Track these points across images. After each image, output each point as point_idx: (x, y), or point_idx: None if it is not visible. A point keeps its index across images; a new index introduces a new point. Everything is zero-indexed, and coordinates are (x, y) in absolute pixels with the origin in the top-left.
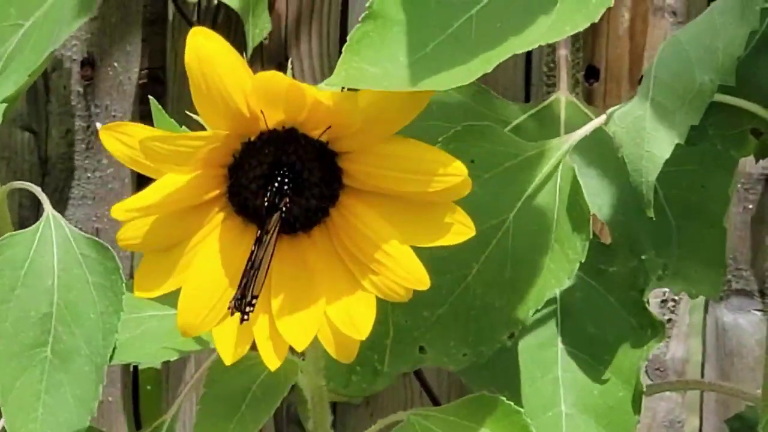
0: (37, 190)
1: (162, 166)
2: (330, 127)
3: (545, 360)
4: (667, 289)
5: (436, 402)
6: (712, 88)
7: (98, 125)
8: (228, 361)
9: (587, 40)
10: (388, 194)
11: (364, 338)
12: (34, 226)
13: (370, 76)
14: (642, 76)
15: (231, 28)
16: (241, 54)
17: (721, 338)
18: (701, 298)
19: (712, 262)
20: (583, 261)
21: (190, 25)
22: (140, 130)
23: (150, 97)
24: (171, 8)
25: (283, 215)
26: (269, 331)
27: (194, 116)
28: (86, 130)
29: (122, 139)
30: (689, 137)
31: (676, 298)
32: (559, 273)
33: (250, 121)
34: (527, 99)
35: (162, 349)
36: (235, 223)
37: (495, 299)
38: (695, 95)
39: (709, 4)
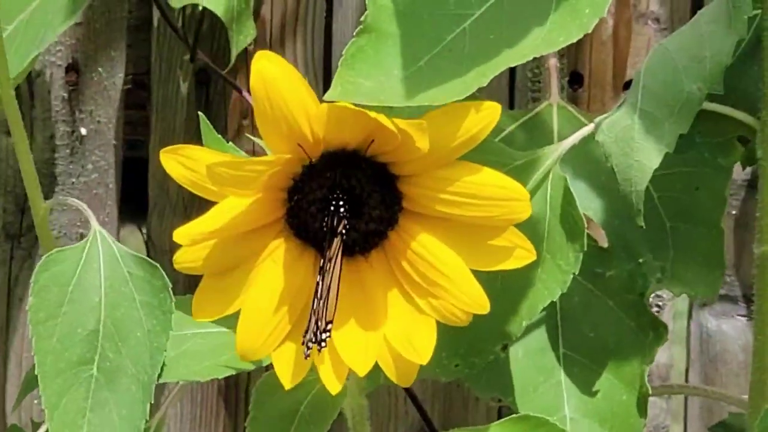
0: (83, 206)
1: (226, 190)
2: (394, 151)
3: (546, 365)
4: (652, 295)
5: (420, 408)
6: (701, 97)
7: (82, 131)
8: (287, 385)
9: (571, 47)
10: (448, 218)
11: (425, 362)
12: (81, 242)
13: (366, 90)
14: (626, 82)
15: (216, 33)
16: (226, 59)
17: (705, 344)
18: (685, 305)
19: (710, 264)
20: (576, 272)
21: (175, 30)
22: (203, 154)
23: (200, 113)
24: (156, 14)
25: (344, 239)
26: (330, 354)
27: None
28: (71, 135)
29: (184, 163)
30: (677, 145)
31: (660, 304)
32: (551, 284)
33: (312, 144)
34: (512, 105)
35: (208, 367)
36: (293, 245)
37: None
38: (683, 104)
39: (692, 11)
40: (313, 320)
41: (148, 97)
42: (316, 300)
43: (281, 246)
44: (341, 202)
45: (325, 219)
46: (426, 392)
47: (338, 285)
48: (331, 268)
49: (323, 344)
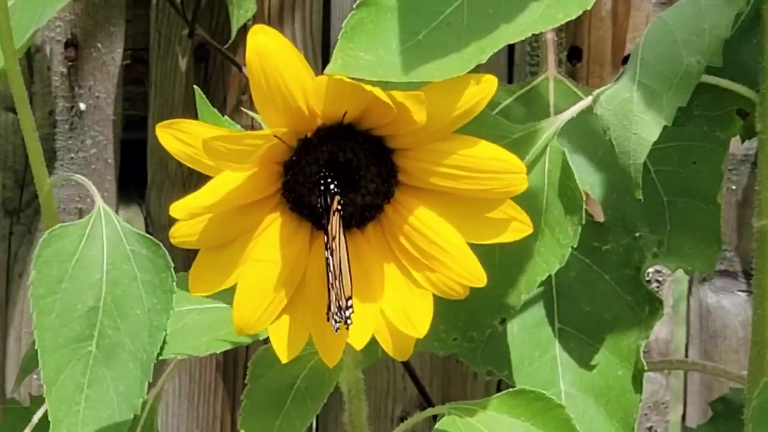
0: (88, 183)
1: (222, 165)
2: (390, 124)
3: (542, 339)
4: (651, 270)
5: (418, 384)
6: (699, 70)
7: (81, 106)
8: (284, 359)
9: (570, 22)
10: (444, 191)
11: (422, 336)
12: (84, 218)
13: (366, 64)
14: (625, 57)
15: (215, 9)
16: (225, 35)
17: (704, 319)
18: (685, 280)
19: (706, 239)
20: (575, 246)
21: (174, 6)
22: (200, 128)
23: (196, 87)
24: None
25: (341, 215)
26: (326, 328)
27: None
28: (70, 110)
29: (181, 137)
30: (675, 118)
31: (660, 279)
32: (550, 258)
33: (308, 118)
34: (510, 79)
35: (206, 342)
36: (290, 219)
37: None
38: (682, 77)
39: None
40: (333, 296)
41: (147, 73)
42: (331, 276)
43: (277, 220)
44: (330, 180)
45: (319, 198)
46: (424, 368)
47: (348, 260)
48: (338, 245)
49: (349, 321)
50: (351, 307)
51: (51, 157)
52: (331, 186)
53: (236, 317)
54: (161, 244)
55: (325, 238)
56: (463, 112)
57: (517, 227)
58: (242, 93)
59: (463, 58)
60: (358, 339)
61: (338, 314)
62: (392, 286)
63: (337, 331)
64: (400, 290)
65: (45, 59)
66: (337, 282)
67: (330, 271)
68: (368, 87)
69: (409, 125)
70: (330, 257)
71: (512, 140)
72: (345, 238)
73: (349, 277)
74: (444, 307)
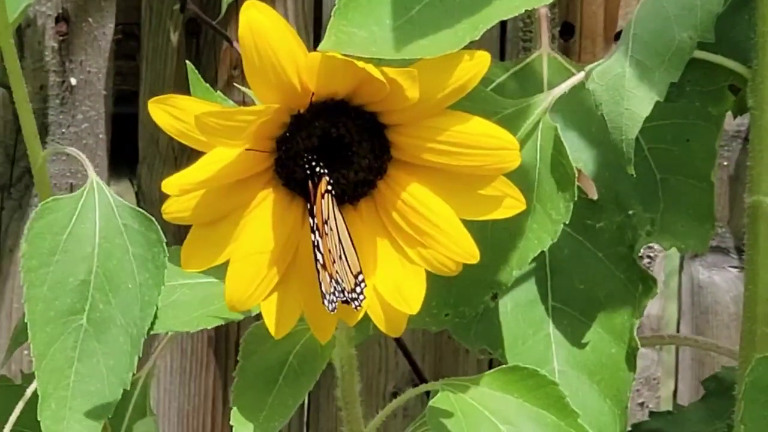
0: (81, 156)
1: (215, 141)
2: (383, 100)
3: (536, 317)
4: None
5: (410, 360)
6: (692, 45)
7: (72, 81)
8: (276, 335)
9: None
10: (437, 167)
11: (415, 312)
12: (78, 192)
13: (359, 41)
14: (617, 33)
15: None
16: (216, 10)
17: (696, 295)
18: (677, 256)
19: (700, 217)
20: (567, 222)
21: None
22: (192, 104)
23: (188, 62)
24: None
25: (332, 192)
26: (318, 304)
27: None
28: (61, 85)
29: (173, 113)
30: (667, 94)
31: (652, 255)
32: (542, 234)
33: (301, 94)
34: (502, 56)
35: (197, 317)
36: (282, 196)
37: None
38: (674, 52)
39: None
40: (326, 277)
41: (138, 48)
42: (321, 258)
43: (270, 196)
44: (316, 162)
45: (307, 168)
46: (416, 344)
47: (349, 235)
48: (336, 226)
49: (362, 296)
50: (363, 281)
51: (42, 132)
52: (317, 168)
53: (228, 293)
54: (153, 219)
55: (311, 221)
56: (456, 88)
57: (510, 204)
58: (234, 68)
59: (456, 34)
60: (350, 315)
61: (335, 295)
62: (385, 263)
63: (332, 312)
64: (392, 266)
65: (36, 34)
66: (341, 262)
67: (320, 253)
68: (361, 63)
69: (402, 101)
70: (319, 240)
71: (504, 115)
72: (341, 213)
73: (354, 252)
74: (436, 283)
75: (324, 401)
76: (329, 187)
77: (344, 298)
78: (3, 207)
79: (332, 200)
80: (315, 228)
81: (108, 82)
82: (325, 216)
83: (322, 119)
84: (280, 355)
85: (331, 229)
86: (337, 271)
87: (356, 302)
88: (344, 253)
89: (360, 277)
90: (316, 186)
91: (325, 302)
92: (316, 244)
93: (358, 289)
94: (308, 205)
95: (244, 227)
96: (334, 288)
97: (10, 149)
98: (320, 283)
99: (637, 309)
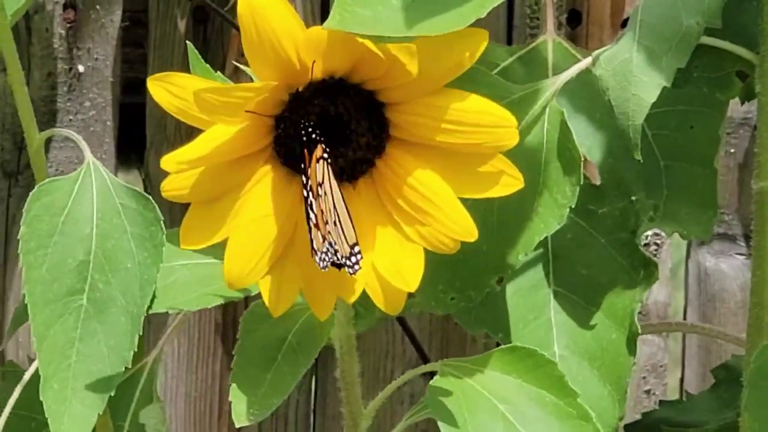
0: (78, 138)
1: (213, 118)
2: (382, 77)
3: (537, 302)
4: (649, 233)
5: (417, 345)
6: (699, 31)
7: (80, 68)
8: (275, 312)
9: None
10: (435, 145)
11: (413, 290)
12: (74, 173)
13: (364, 20)
14: (624, 20)
15: None
16: None
17: (703, 283)
18: (684, 243)
19: (703, 203)
20: (573, 206)
21: None
22: (191, 81)
23: (188, 42)
24: None
25: (327, 159)
26: (318, 281)
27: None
28: (68, 72)
29: (172, 90)
30: (674, 80)
31: (658, 242)
32: (548, 218)
33: (299, 71)
34: (509, 41)
35: (197, 297)
36: (281, 173)
37: (482, 243)
38: (682, 38)
39: None
40: (317, 235)
41: (146, 35)
42: (314, 217)
43: (269, 174)
44: (312, 129)
45: (304, 148)
46: (423, 330)
47: (346, 207)
48: (330, 190)
49: (357, 266)
50: (359, 253)
51: (50, 119)
52: (313, 135)
53: (227, 271)
54: (150, 198)
55: (304, 179)
56: (454, 64)
57: (508, 181)
58: (241, 55)
59: (462, 13)
60: (349, 292)
61: (327, 255)
62: (383, 241)
63: (324, 269)
64: (391, 244)
65: (44, 21)
66: (336, 228)
67: (313, 213)
68: (360, 39)
69: (401, 78)
70: (313, 201)
71: (511, 100)
72: (339, 186)
73: (350, 224)
74: (442, 266)
75: (332, 387)
76: (325, 155)
77: (337, 261)
78: (10, 194)
79: (327, 167)
80: (309, 188)
81: (116, 69)
82: (319, 179)
83: (321, 97)
84: (279, 333)
85: (324, 193)
86: (329, 233)
87: (350, 269)
88: (339, 220)
89: (356, 248)
90: (311, 153)
91: (317, 259)
92: (309, 203)
93: (353, 259)
94: (302, 166)
95: (242, 205)
96: (327, 248)
97: (18, 136)
98: (312, 240)
99: (638, 294)
